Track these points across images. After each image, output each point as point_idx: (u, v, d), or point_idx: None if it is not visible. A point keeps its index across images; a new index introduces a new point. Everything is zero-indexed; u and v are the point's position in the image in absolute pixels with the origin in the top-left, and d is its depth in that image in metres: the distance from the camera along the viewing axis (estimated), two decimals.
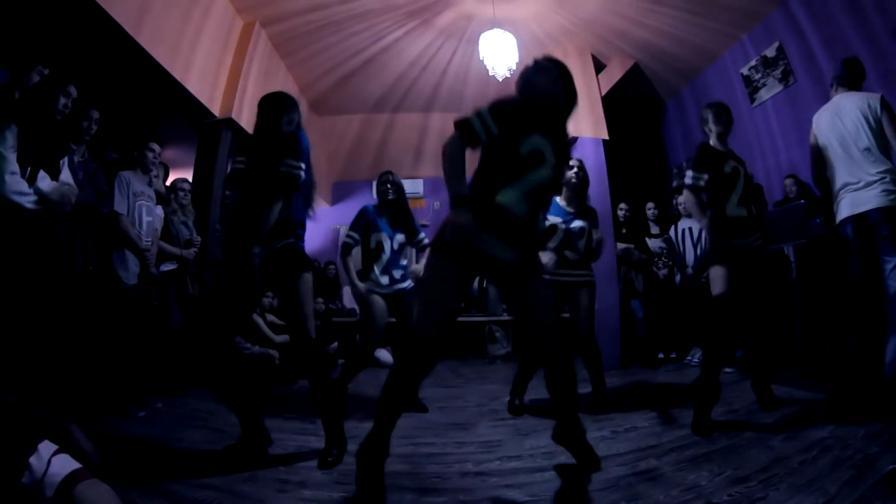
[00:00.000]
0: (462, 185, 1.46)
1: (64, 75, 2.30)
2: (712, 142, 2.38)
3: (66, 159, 2.27)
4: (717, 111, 2.35)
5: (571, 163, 2.66)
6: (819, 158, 2.33)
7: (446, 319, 1.47)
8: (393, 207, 2.84)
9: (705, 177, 2.30)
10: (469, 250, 1.44)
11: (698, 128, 2.48)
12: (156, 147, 2.92)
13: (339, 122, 6.08)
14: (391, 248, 2.79)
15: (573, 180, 2.68)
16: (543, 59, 1.66)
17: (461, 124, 1.51)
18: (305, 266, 1.96)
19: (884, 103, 2.15)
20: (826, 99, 2.43)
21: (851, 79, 2.33)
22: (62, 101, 2.24)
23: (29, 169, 2.04)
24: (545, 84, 1.59)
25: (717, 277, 2.22)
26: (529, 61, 1.67)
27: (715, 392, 2.13)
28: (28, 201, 2.02)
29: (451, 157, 1.49)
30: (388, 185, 2.81)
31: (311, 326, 1.95)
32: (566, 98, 1.61)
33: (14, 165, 1.98)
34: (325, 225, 6.44)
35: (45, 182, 2.10)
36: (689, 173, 2.33)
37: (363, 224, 2.84)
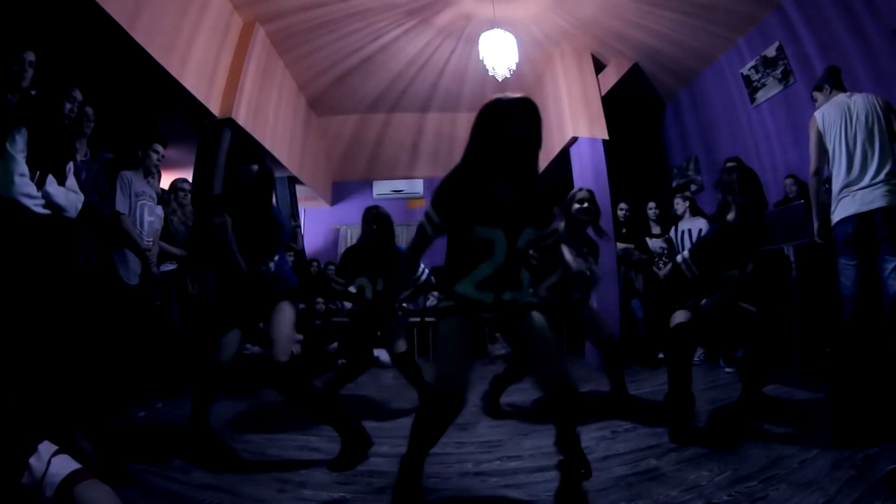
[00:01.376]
0: (396, 287, 1.73)
1: (68, 80, 2.29)
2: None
3: (71, 165, 2.26)
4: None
5: (580, 195, 2.58)
6: (823, 155, 2.28)
7: (461, 373, 1.51)
8: (377, 250, 2.66)
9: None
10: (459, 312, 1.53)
11: (696, 129, 2.44)
12: (160, 149, 2.91)
13: (336, 121, 6.08)
14: (374, 292, 2.76)
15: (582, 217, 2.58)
16: (500, 101, 1.39)
17: (418, 227, 1.58)
18: (286, 296, 2.02)
19: (888, 105, 2.17)
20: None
21: (839, 82, 2.34)
22: (68, 105, 2.24)
23: (38, 173, 2.04)
24: (505, 128, 1.37)
25: (677, 312, 2.23)
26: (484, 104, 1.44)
27: (689, 404, 2.09)
28: (36, 204, 2.02)
29: (404, 257, 1.65)
30: (373, 225, 2.59)
31: (281, 350, 1.90)
32: (525, 138, 1.38)
33: (23, 167, 1.98)
34: (324, 225, 6.44)
35: (53, 187, 2.10)
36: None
37: (345, 268, 2.77)
